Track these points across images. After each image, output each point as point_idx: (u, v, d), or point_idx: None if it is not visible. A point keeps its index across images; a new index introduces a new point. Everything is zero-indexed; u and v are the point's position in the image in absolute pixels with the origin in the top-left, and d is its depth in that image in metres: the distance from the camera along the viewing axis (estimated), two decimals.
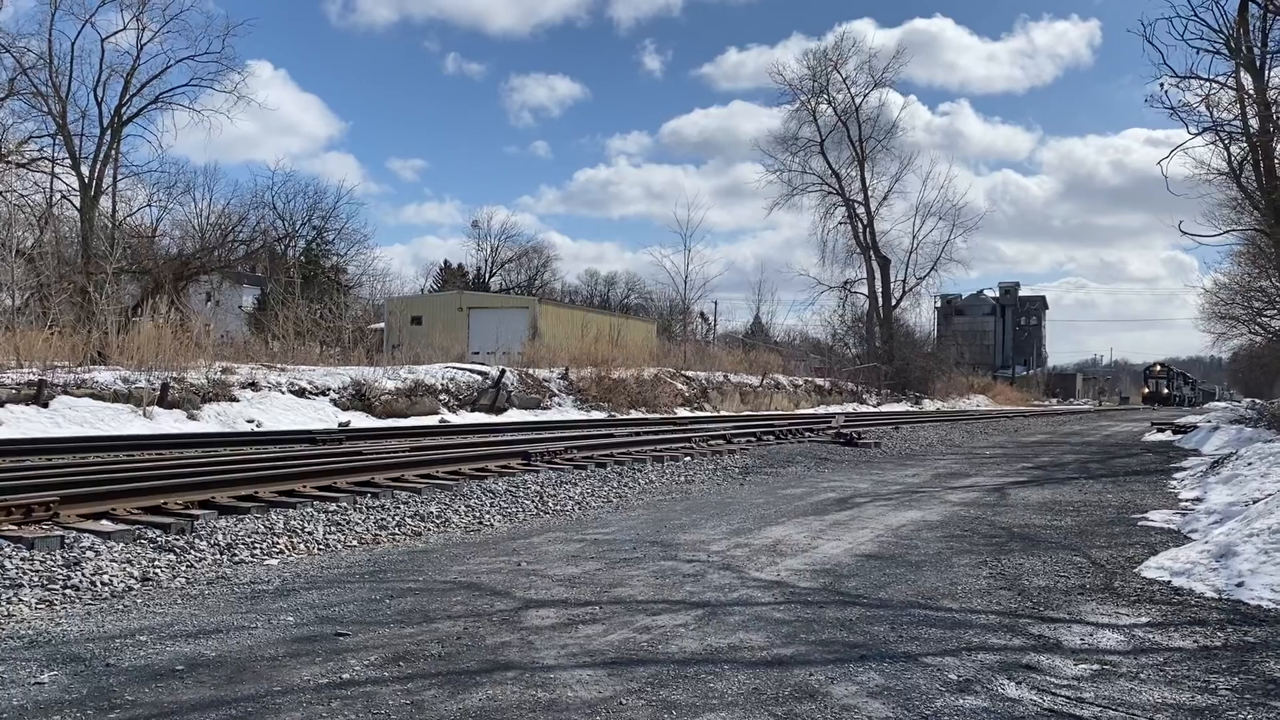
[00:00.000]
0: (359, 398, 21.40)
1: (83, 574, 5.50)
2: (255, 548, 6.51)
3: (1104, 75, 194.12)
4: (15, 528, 6.28)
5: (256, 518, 7.38)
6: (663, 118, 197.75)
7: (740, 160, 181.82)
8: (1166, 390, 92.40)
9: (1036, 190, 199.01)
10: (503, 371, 25.91)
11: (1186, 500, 10.34)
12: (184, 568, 5.91)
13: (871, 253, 57.43)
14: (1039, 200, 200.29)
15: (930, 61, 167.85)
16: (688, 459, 13.75)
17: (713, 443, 16.13)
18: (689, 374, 35.43)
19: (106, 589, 5.33)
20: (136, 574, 5.63)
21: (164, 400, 17.31)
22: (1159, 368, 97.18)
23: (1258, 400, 39.25)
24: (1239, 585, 5.71)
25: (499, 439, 15.45)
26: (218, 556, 6.23)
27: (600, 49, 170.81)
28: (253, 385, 19.58)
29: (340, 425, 18.55)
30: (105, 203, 36.63)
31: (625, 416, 26.63)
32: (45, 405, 15.61)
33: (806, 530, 7.95)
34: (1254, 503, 8.25)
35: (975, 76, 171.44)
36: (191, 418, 17.48)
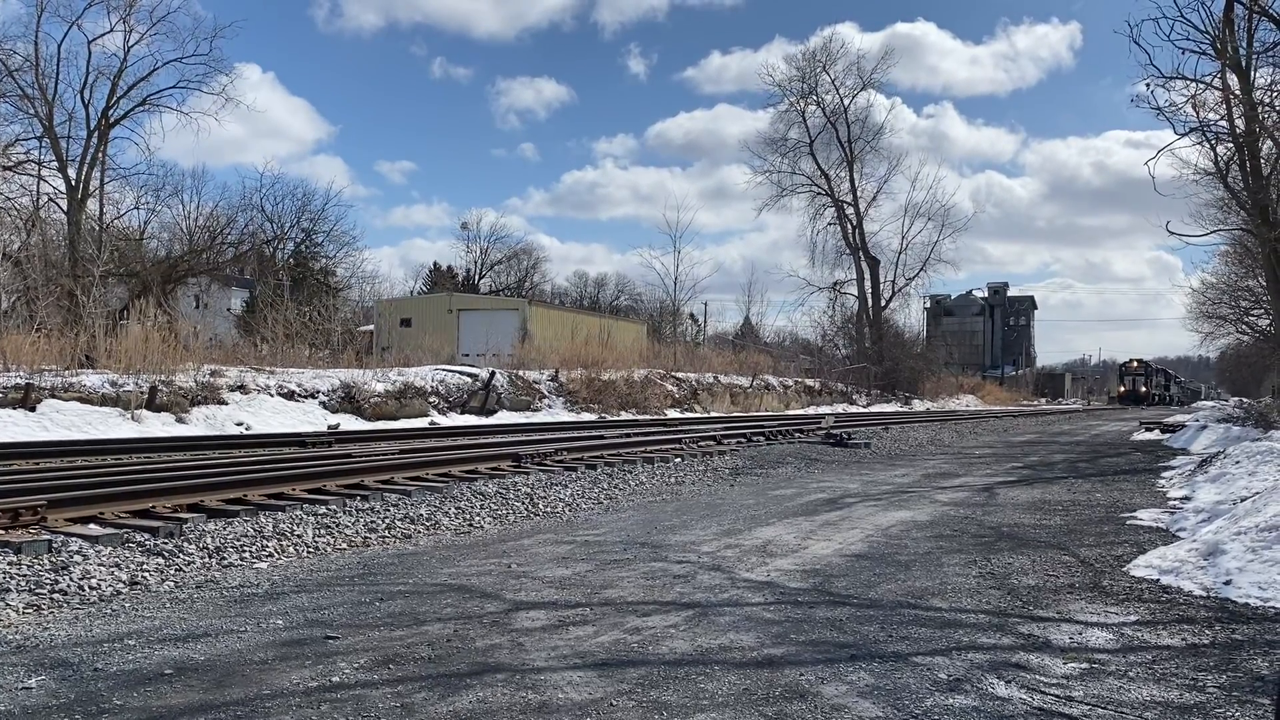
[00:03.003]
0: (348, 400, 21.33)
1: (70, 578, 5.47)
2: (244, 551, 6.49)
3: (1085, 77, 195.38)
4: (2, 532, 6.25)
5: (245, 521, 7.36)
6: (648, 121, 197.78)
7: (726, 162, 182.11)
8: (1145, 388, 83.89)
9: (1021, 192, 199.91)
10: (492, 373, 25.87)
11: (1175, 499, 10.38)
12: (172, 571, 5.89)
13: (861, 253, 57.57)
14: (1023, 202, 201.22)
15: (913, 65, 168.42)
16: (678, 460, 13.76)
17: (703, 444, 16.14)
18: (679, 375, 35.44)
19: (94, 593, 5.30)
20: (125, 578, 5.61)
21: (152, 403, 17.23)
22: (1136, 364, 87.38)
23: (1245, 399, 39.45)
24: (1227, 583, 5.74)
25: (489, 441, 15.43)
26: (206, 560, 6.21)
27: (585, 53, 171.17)
28: (241, 388, 19.51)
29: (330, 428, 18.49)
30: (93, 205, 36.46)
31: (615, 418, 26.62)
32: (32, 409, 15.52)
33: (796, 531, 7.96)
34: (1242, 501, 8.29)
35: (958, 79, 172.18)
36: (180, 421, 17.40)
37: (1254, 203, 17.87)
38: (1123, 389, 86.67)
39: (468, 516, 8.26)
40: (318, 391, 20.97)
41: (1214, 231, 24.03)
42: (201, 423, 17.64)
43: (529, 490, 9.74)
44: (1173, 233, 18.71)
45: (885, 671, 4.09)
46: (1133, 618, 5.14)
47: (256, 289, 44.79)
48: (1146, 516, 9.09)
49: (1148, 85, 16.21)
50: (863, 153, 57.89)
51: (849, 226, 57.64)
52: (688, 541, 7.33)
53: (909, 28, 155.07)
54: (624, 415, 27.90)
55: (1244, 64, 16.60)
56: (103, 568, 5.73)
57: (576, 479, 10.89)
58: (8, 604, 4.97)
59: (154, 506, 7.39)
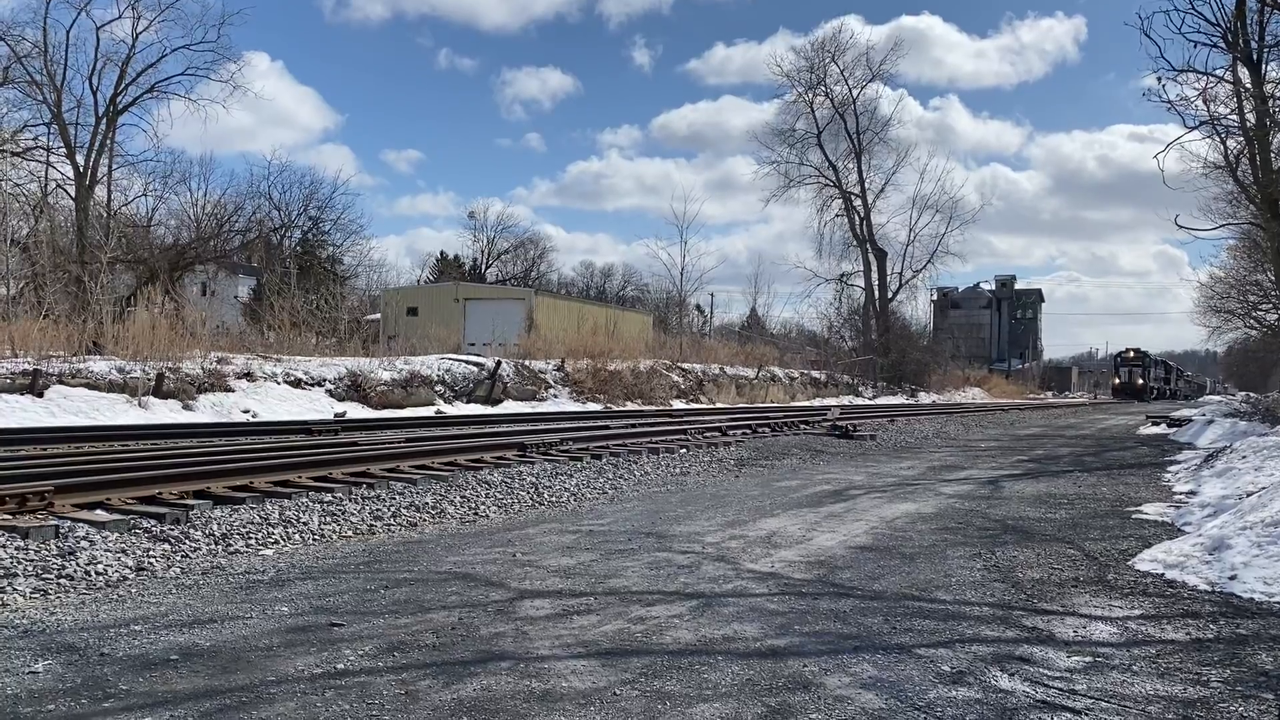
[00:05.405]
0: (355, 389, 21.36)
1: (77, 563, 5.49)
2: (250, 538, 6.51)
3: (1089, 71, 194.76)
4: (10, 517, 6.27)
5: (252, 508, 7.38)
6: (653, 112, 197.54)
7: (731, 154, 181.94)
8: (1142, 381, 76.10)
9: (1026, 185, 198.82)
10: (499, 363, 25.89)
11: (1180, 493, 10.37)
12: (179, 558, 5.91)
13: (868, 245, 57.45)
14: (1029, 194, 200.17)
15: (919, 58, 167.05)
16: (683, 451, 13.76)
17: (708, 435, 16.14)
18: (685, 366, 35.42)
19: (101, 578, 5.33)
20: (131, 564, 5.63)
21: (159, 390, 17.27)
22: (1133, 354, 78.76)
23: (1252, 394, 39.30)
24: (1232, 578, 5.73)
25: (495, 430, 15.44)
26: (213, 546, 6.23)
27: (590, 44, 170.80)
28: (248, 376, 19.55)
29: (336, 416, 18.53)
30: (100, 192, 36.63)
31: (621, 408, 26.62)
32: (40, 395, 15.58)
33: (801, 522, 7.96)
34: (1247, 496, 8.27)
35: (964, 73, 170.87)
36: (187, 408, 17.45)
37: (1264, 197, 17.75)
38: (1117, 381, 78.87)
39: (473, 505, 8.28)
40: (324, 379, 21.01)
41: (1223, 225, 23.93)
42: (208, 410, 17.68)
43: (534, 480, 9.75)
44: (1181, 226, 18.65)
45: (888, 663, 4.09)
46: (1137, 612, 5.13)
47: (263, 277, 44.84)
48: (1152, 511, 9.07)
49: (1158, 79, 16.13)
50: (871, 144, 57.80)
51: (856, 218, 57.55)
52: (692, 532, 7.33)
53: (914, 20, 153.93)
54: (629, 406, 27.90)
55: (1256, 57, 16.48)
56: (109, 553, 5.75)
57: (582, 469, 10.90)
58: (15, 589, 5.00)
59: (160, 493, 7.42)
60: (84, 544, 5.87)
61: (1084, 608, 5.19)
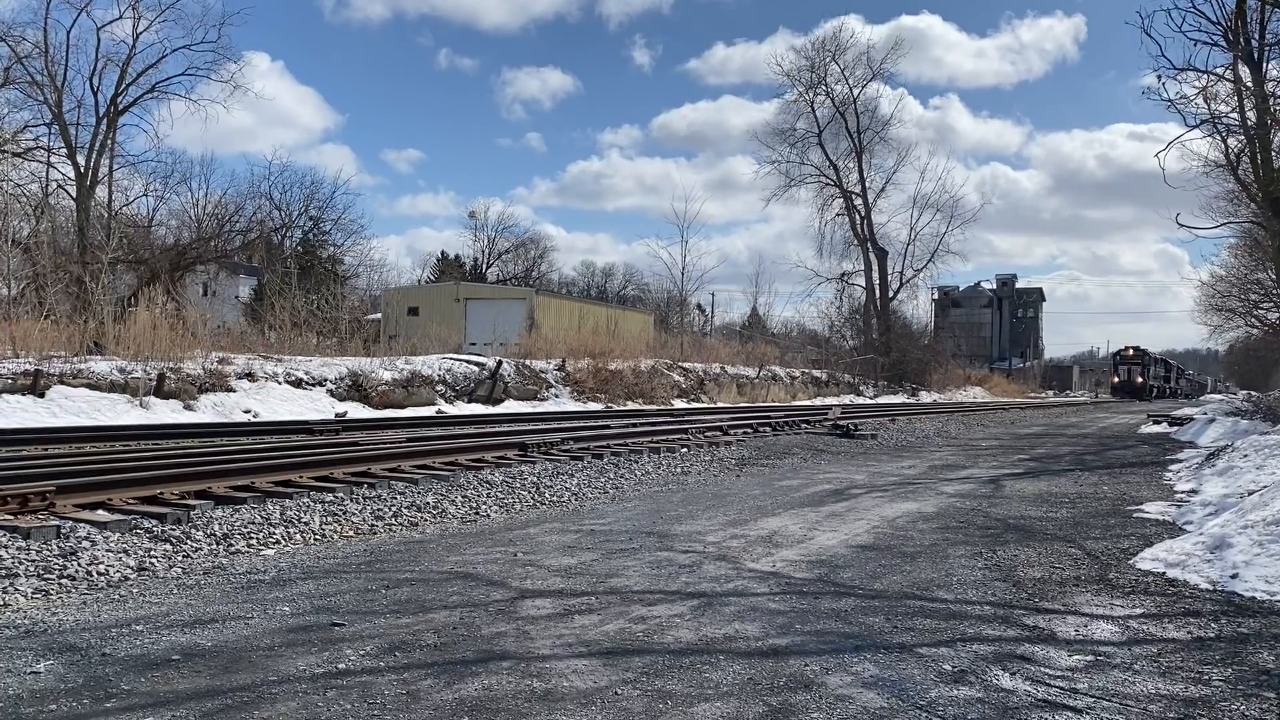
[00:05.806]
0: (356, 388, 21.37)
1: (79, 564, 5.50)
2: (251, 538, 6.52)
3: (1089, 70, 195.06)
4: (11, 517, 6.28)
5: (253, 508, 7.38)
6: (653, 111, 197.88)
7: (731, 154, 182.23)
8: (1142, 379, 74.45)
9: (1026, 184, 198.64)
10: (499, 363, 25.89)
11: (1182, 492, 10.36)
12: (180, 558, 5.91)
13: (869, 245, 57.45)
14: (1029, 194, 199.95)
15: (919, 58, 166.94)
16: (684, 450, 13.76)
17: (709, 434, 16.13)
18: (686, 366, 35.42)
19: (103, 579, 5.33)
20: (132, 564, 5.63)
21: (160, 390, 17.28)
22: (1132, 351, 76.90)
23: (1254, 392, 39.28)
24: (1233, 577, 5.73)
25: (496, 430, 15.44)
26: (214, 546, 6.23)
27: (590, 44, 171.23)
28: (249, 376, 19.55)
29: (337, 416, 18.54)
30: (101, 192, 36.63)
31: (622, 408, 26.61)
32: (41, 395, 15.58)
33: (802, 521, 7.96)
34: (1249, 495, 8.27)
35: (964, 72, 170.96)
36: (188, 408, 17.45)
37: (1264, 196, 17.74)
38: (1116, 379, 77.05)
39: (474, 505, 8.28)
40: (325, 379, 21.02)
41: (1224, 224, 23.98)
42: (209, 410, 17.69)
43: (535, 479, 9.76)
44: (1183, 225, 18.62)
45: (890, 662, 4.09)
46: (1138, 610, 5.13)
47: (264, 277, 44.89)
48: (1153, 509, 9.07)
49: (1159, 77, 16.16)
50: (871, 144, 57.79)
51: (857, 217, 57.55)
52: (693, 531, 7.33)
53: (914, 20, 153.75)
54: (630, 405, 27.90)
55: (1256, 56, 16.49)
56: (111, 553, 5.76)
57: (583, 468, 10.91)
58: (17, 589, 5.00)
59: (162, 493, 7.42)
60: (85, 544, 5.88)
61: (1085, 607, 5.19)
